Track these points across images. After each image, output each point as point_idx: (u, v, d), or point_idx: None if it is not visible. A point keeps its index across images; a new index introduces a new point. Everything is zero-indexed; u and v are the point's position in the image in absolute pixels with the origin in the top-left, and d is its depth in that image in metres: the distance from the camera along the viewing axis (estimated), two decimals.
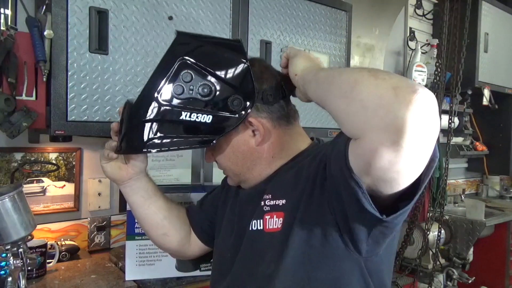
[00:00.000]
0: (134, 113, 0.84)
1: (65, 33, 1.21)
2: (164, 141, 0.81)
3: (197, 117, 0.79)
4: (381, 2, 2.44)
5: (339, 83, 0.65)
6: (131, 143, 0.87)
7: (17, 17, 1.40)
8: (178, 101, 0.79)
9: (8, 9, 1.34)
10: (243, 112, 0.81)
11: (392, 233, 0.73)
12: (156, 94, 0.79)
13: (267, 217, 0.83)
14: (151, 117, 0.81)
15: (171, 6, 1.42)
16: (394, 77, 0.58)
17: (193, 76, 0.79)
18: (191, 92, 0.79)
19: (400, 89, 0.55)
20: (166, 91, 0.79)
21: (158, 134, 0.81)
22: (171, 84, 0.79)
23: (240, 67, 0.82)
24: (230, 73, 0.81)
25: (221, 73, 0.80)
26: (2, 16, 1.30)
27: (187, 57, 0.80)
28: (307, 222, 0.76)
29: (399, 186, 0.61)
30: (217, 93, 0.80)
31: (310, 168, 0.79)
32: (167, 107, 0.79)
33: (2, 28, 1.25)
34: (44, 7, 1.22)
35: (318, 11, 1.86)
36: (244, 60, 0.82)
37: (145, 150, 0.84)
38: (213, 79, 0.80)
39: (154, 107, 0.80)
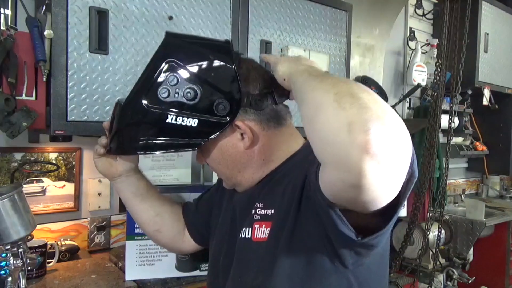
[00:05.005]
0: (122, 114, 0.84)
1: (65, 33, 1.21)
2: (151, 143, 0.81)
3: (182, 121, 0.78)
4: (381, 2, 2.44)
5: (306, 103, 0.61)
6: (119, 145, 0.88)
7: (17, 17, 1.40)
8: (164, 104, 0.77)
9: (8, 9, 1.33)
10: (228, 118, 0.79)
11: (374, 249, 0.70)
12: (143, 97, 0.78)
13: (256, 226, 0.82)
14: (138, 119, 0.81)
15: (171, 6, 1.42)
16: (356, 104, 0.52)
17: (179, 79, 0.77)
18: (176, 95, 0.77)
19: (354, 125, 0.50)
20: (152, 93, 0.77)
21: (145, 137, 0.81)
22: (158, 87, 0.77)
23: (226, 71, 0.79)
24: (216, 76, 0.79)
25: (206, 77, 0.78)
26: (2, 16, 1.29)
27: (173, 59, 0.78)
28: (294, 235, 0.74)
29: (371, 210, 0.58)
30: (202, 97, 0.78)
31: (297, 178, 0.77)
32: (154, 110, 0.78)
33: (2, 28, 1.25)
34: (44, 7, 1.22)
35: (318, 11, 1.86)
36: (231, 63, 0.79)
37: (133, 152, 0.89)
38: (198, 83, 0.78)
39: (141, 110, 0.79)
